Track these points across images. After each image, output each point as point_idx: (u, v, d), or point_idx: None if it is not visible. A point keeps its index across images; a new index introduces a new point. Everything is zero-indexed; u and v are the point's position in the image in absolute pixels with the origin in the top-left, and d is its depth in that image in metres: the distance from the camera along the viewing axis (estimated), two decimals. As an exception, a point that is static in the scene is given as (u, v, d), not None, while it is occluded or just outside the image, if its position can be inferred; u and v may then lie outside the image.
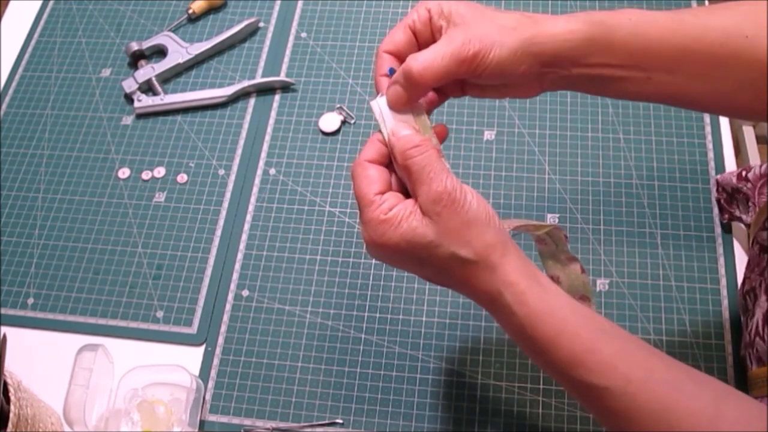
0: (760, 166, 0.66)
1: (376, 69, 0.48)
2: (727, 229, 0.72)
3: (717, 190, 0.73)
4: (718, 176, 0.73)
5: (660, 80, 0.46)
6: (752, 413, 0.40)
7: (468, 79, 0.48)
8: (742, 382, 0.64)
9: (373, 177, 0.45)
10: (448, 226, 0.43)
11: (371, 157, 0.46)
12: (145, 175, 0.81)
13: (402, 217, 0.43)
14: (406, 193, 0.46)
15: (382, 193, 0.45)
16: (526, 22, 0.45)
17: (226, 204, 0.79)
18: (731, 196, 0.71)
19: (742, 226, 0.72)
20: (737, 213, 0.70)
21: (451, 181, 0.43)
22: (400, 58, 0.48)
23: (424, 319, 0.70)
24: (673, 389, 0.40)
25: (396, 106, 0.46)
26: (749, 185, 0.67)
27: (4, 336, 0.57)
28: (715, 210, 0.73)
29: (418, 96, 0.47)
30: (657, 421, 0.40)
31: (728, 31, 0.44)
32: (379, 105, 0.47)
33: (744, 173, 0.68)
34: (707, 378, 0.42)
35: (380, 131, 0.47)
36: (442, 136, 0.49)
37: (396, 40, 0.48)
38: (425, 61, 0.44)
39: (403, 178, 0.46)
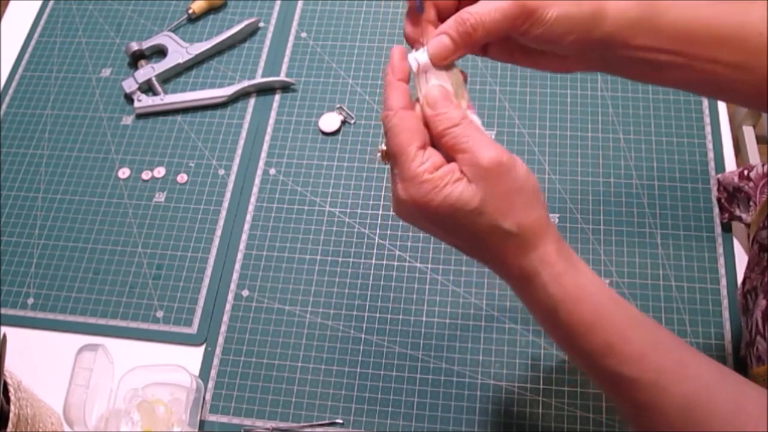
0: (763, 165, 0.66)
1: (410, 15, 0.45)
2: (727, 229, 0.72)
3: (718, 189, 0.73)
4: (719, 175, 0.73)
5: (701, 68, 0.45)
6: None
7: (514, 38, 0.45)
8: (742, 382, 0.64)
9: (415, 128, 0.42)
10: (494, 192, 0.41)
11: (405, 103, 0.43)
12: (145, 175, 0.81)
13: (449, 180, 0.41)
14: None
15: (424, 148, 0.42)
16: None
17: (226, 204, 0.79)
18: (732, 195, 0.70)
19: (743, 225, 0.72)
20: (737, 212, 0.70)
21: (495, 148, 0.41)
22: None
23: (424, 319, 0.70)
24: (700, 384, 0.40)
25: (439, 61, 0.43)
26: (751, 184, 0.67)
27: (4, 336, 0.57)
28: (716, 210, 0.73)
29: (465, 51, 0.44)
30: (682, 416, 0.40)
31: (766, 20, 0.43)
32: (418, 60, 0.44)
33: (746, 172, 0.68)
34: (726, 370, 0.42)
35: (417, 88, 0.44)
36: (464, 76, 0.46)
37: None
38: (480, 14, 0.42)
39: (438, 144, 0.43)
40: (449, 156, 0.43)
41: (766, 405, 0.40)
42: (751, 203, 0.67)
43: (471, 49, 0.44)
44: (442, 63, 0.44)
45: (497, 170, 0.41)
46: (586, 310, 0.41)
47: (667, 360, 0.41)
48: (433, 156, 0.42)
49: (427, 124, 0.43)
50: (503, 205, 0.41)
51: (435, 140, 0.43)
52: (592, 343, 0.41)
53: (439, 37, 0.43)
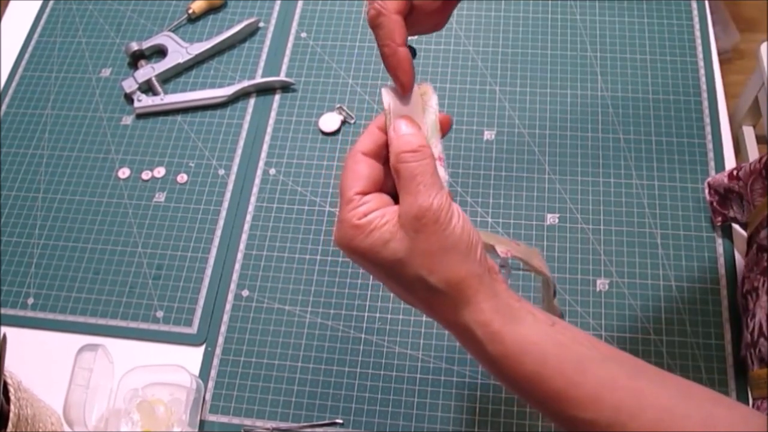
0: (750, 164, 0.66)
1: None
2: (726, 229, 0.72)
3: (709, 192, 0.72)
4: (709, 179, 0.73)
5: None
6: (744, 418, 0.38)
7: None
8: (742, 382, 0.64)
9: (361, 173, 0.41)
10: (422, 248, 0.39)
11: (367, 148, 0.42)
12: (145, 175, 0.81)
13: (375, 225, 0.40)
14: (395, 195, 0.42)
15: (365, 193, 0.41)
16: None
17: (226, 204, 0.79)
18: (724, 197, 0.70)
19: (741, 227, 0.72)
20: (731, 214, 0.70)
21: (440, 199, 0.39)
22: None
23: (424, 319, 0.70)
24: (662, 412, 0.38)
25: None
26: (741, 183, 0.67)
27: (4, 336, 0.57)
28: (715, 210, 0.73)
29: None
30: None
31: None
32: (390, 93, 0.43)
33: (735, 172, 0.68)
34: (692, 390, 0.40)
35: (386, 120, 0.43)
36: (446, 128, 0.45)
37: None
38: None
39: (394, 178, 0.42)
40: (398, 191, 0.41)
41: (738, 415, 0.38)
42: (745, 202, 0.67)
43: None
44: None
45: (431, 225, 0.39)
46: (530, 362, 0.40)
47: (622, 395, 0.39)
48: (371, 202, 0.41)
49: (389, 150, 0.42)
50: (431, 260, 0.39)
51: (393, 169, 0.42)
52: (540, 392, 0.40)
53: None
